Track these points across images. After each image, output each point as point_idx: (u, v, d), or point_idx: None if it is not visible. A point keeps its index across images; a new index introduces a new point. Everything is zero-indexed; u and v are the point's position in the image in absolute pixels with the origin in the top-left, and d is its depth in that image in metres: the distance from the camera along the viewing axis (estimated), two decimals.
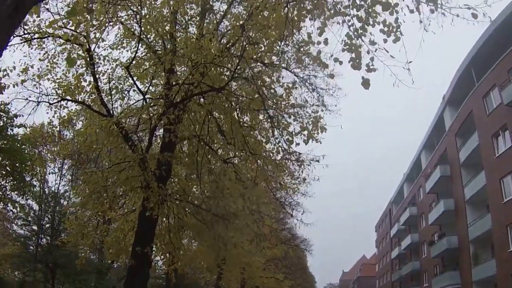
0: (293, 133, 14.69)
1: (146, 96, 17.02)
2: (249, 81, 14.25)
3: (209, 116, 15.64)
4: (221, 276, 45.56)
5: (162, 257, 20.95)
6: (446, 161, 62.86)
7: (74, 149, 21.63)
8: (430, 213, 67.85)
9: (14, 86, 16.79)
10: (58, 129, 19.48)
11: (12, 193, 24.46)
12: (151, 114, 16.90)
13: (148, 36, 16.98)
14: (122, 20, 17.08)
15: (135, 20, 16.44)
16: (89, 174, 17.31)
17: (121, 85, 18.23)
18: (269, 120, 14.92)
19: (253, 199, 19.89)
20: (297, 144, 14.62)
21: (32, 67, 17.27)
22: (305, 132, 14.37)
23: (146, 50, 17.68)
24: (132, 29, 17.08)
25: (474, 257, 52.32)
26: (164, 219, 18.00)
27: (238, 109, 14.92)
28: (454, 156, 59.66)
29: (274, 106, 14.82)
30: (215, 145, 18.13)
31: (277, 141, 15.04)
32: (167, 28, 16.79)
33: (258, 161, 16.94)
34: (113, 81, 18.10)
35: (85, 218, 20.17)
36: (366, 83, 10.56)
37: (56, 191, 40.01)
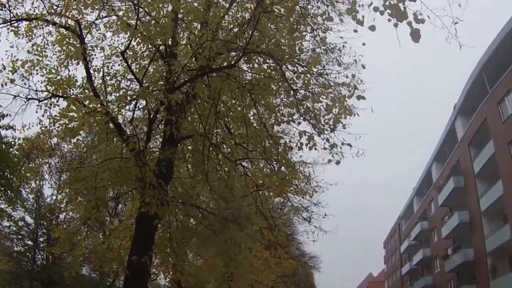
0: (320, 114, 12.39)
1: (143, 84, 14.91)
2: (265, 55, 12.11)
3: (216, 107, 13.42)
4: None
5: (163, 267, 18.42)
6: (459, 172, 60.79)
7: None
8: (443, 226, 65.79)
9: (2, 86, 15.66)
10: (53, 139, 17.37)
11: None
12: (148, 100, 14.60)
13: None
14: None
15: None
16: (76, 170, 15.06)
17: (115, 73, 16.24)
18: (289, 99, 12.65)
19: (266, 202, 18.01)
20: (320, 131, 12.32)
21: (19, 60, 15.97)
22: (330, 116, 12.21)
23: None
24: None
25: (492, 270, 50.17)
26: (166, 223, 15.60)
27: (251, 92, 12.65)
28: (467, 166, 57.60)
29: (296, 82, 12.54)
30: (224, 146, 15.92)
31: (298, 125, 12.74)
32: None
33: (273, 162, 14.95)
34: (107, 68, 16.08)
35: (75, 225, 17.65)
36: (415, 34, 8.44)
37: (51, 204, 37.84)
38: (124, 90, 15.95)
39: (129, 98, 14.08)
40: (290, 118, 12.64)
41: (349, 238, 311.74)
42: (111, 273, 37.68)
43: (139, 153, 13.26)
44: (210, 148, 14.60)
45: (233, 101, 15.39)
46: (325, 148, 12.38)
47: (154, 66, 16.17)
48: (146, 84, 14.82)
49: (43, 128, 15.74)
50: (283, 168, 14.50)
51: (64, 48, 15.82)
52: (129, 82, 16.37)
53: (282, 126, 14.88)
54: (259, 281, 40.22)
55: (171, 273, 17.90)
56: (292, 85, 12.16)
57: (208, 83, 13.32)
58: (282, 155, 13.24)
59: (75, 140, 14.28)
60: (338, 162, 12.42)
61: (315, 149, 12.41)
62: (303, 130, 12.56)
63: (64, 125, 13.95)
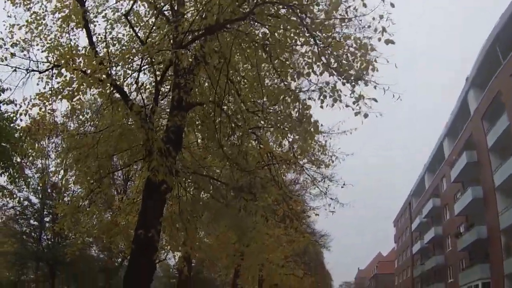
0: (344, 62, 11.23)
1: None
2: (280, 4, 11.05)
3: (228, 68, 12.38)
4: (238, 273, 43.26)
5: (173, 244, 17.32)
6: (473, 147, 59.60)
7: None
8: (456, 203, 64.74)
9: (2, 61, 14.76)
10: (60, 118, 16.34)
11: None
12: (154, 59, 13.50)
13: None
14: None
15: None
16: (76, 137, 13.99)
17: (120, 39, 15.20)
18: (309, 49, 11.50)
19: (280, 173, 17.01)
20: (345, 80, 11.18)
21: (19, 28, 15.08)
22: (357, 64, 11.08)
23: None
24: None
25: (506, 249, 49.07)
26: (175, 196, 14.50)
27: (265, 47, 11.57)
28: (481, 140, 56.46)
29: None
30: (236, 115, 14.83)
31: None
32: None
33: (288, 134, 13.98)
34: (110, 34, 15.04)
35: (78, 198, 16.45)
36: None
37: (58, 183, 36.78)
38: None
39: (132, 57, 12.91)
40: (311, 70, 11.47)
41: (360, 217, 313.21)
42: (119, 254, 36.90)
43: (145, 117, 12.22)
44: (222, 116, 13.70)
45: (245, 65, 14.46)
46: (347, 106, 11.32)
47: (160, 29, 15.03)
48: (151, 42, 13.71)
49: (45, 102, 14.68)
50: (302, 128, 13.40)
51: (63, 13, 14.77)
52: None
53: (300, 82, 13.65)
54: (270, 260, 39.59)
55: (180, 249, 16.86)
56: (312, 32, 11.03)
57: (218, 40, 12.24)
58: (302, 113, 12.11)
59: (74, 102, 13.17)
60: (366, 115, 11.25)
61: (339, 100, 11.31)
62: (326, 81, 11.56)
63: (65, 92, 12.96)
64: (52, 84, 14.60)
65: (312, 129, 12.16)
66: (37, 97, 13.80)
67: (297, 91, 12.69)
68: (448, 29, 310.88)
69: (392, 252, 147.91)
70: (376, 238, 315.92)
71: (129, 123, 13.46)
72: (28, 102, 14.45)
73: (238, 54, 13.55)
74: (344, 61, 11.03)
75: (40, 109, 14.27)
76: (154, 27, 14.89)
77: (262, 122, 15.72)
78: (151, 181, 12.63)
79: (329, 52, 11.10)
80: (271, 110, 14.89)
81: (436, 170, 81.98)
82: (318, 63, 11.10)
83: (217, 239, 21.23)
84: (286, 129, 13.62)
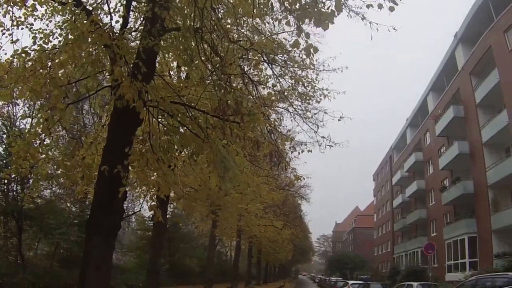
0: None
1: None
2: None
3: None
4: (216, 224, 42.05)
5: (143, 188, 15.31)
6: (459, 102, 58.56)
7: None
8: (441, 157, 64.08)
9: None
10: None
11: None
12: None
13: None
14: None
15: None
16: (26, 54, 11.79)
17: None
18: None
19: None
20: None
21: None
22: None
23: None
24: None
25: (494, 204, 48.56)
26: (147, 128, 12.43)
27: None
28: (468, 96, 55.57)
29: None
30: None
31: None
32: None
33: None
34: None
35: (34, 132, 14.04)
36: None
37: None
38: None
39: None
40: None
41: (339, 172, 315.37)
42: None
43: (110, 29, 10.17)
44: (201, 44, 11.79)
45: None
46: None
47: None
48: None
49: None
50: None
51: None
52: None
53: None
54: (248, 211, 38.30)
55: (151, 189, 14.93)
56: None
57: None
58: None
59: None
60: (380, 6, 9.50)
61: None
62: None
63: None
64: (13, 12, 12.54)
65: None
66: None
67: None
68: None
69: (370, 206, 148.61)
70: (354, 193, 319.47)
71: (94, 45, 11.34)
72: None
73: None
74: None
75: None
76: None
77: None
78: (118, 110, 10.70)
79: None
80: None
81: (419, 124, 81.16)
82: None
83: (195, 179, 19.17)
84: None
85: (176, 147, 13.86)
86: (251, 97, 14.54)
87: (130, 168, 11.48)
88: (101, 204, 11.48)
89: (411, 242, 79.24)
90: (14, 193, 33.33)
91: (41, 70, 11.50)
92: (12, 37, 12.29)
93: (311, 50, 10.27)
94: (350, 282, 57.29)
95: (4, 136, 32.34)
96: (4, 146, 31.85)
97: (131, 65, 11.20)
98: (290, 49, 15.52)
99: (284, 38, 16.88)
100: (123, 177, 10.58)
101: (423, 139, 77.53)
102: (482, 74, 51.46)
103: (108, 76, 12.94)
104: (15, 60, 12.32)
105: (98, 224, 11.41)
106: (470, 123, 55.34)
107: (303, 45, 10.33)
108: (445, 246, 59.19)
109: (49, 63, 11.45)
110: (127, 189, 11.37)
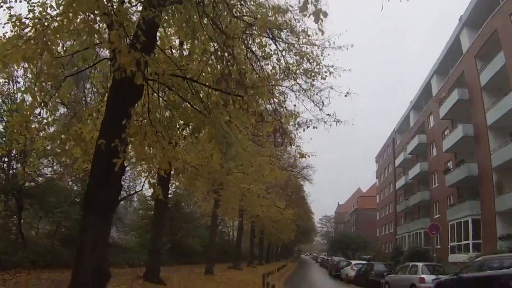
0: None
1: None
2: None
3: None
4: (219, 204, 41.93)
5: (144, 165, 15.01)
6: (464, 85, 58.18)
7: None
8: (444, 139, 63.86)
9: None
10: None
11: None
12: None
13: None
14: None
15: None
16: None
17: None
18: None
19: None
20: None
21: None
22: None
23: None
24: None
25: (498, 186, 48.41)
26: (146, 102, 12.11)
27: None
28: (473, 79, 55.15)
29: None
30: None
31: None
32: None
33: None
34: None
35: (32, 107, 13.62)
36: None
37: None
38: None
39: None
40: None
41: (343, 158, 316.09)
42: None
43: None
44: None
45: None
46: None
47: None
48: None
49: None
50: None
51: None
52: None
53: None
54: (251, 191, 38.14)
55: (151, 166, 14.63)
56: None
57: None
58: None
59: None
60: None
61: None
62: None
63: None
64: None
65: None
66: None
67: None
68: None
69: (372, 188, 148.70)
70: (357, 178, 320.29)
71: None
72: None
73: None
74: None
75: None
76: None
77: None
78: (117, 82, 10.41)
79: None
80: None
81: (422, 107, 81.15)
82: None
83: (197, 156, 18.82)
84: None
85: (177, 124, 13.61)
86: (255, 72, 14.20)
87: (128, 142, 11.22)
88: (98, 178, 11.34)
89: (414, 223, 79.20)
90: (14, 171, 33.05)
91: (35, 37, 11.12)
92: (10, 11, 11.95)
93: (320, 14, 9.95)
94: (353, 262, 56.98)
95: (4, 113, 32.04)
96: (4, 124, 31.54)
97: (131, 37, 10.97)
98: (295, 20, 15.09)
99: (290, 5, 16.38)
100: (120, 151, 10.32)
101: (426, 121, 77.17)
102: (487, 57, 51.00)
103: (107, 51, 12.63)
104: (10, 28, 12.02)
105: (95, 200, 11.27)
106: (474, 106, 55.06)
107: (311, 11, 10.06)
108: (448, 227, 59.05)
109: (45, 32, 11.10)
110: (127, 167, 11.19)
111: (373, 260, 64.73)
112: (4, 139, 29.91)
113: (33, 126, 13.26)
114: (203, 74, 12.29)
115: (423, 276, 30.86)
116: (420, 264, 33.25)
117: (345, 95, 18.17)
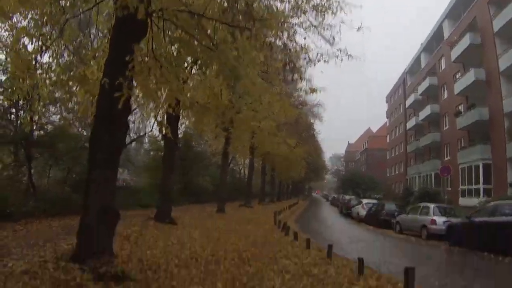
0: None
1: None
2: None
3: None
4: (229, 141, 42.07)
5: (152, 105, 14.96)
6: (476, 30, 57.53)
7: None
8: (456, 83, 63.23)
9: None
10: None
11: None
12: None
13: None
14: None
15: None
16: None
17: None
18: None
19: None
20: None
21: None
22: None
23: None
24: None
25: (509, 133, 48.67)
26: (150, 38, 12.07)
27: None
28: (486, 24, 54.36)
29: None
30: None
31: None
32: None
33: None
34: None
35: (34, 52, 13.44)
36: None
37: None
38: None
39: None
40: None
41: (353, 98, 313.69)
42: None
43: None
44: None
45: None
46: None
47: None
48: None
49: None
50: None
51: None
52: None
53: None
54: (261, 128, 38.31)
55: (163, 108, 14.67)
56: None
57: None
58: None
59: None
60: None
61: None
62: None
63: None
64: None
65: None
66: None
67: None
68: None
69: (383, 128, 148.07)
70: (367, 120, 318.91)
71: None
72: None
73: None
74: None
75: None
76: None
77: None
78: (120, 20, 10.47)
79: None
80: None
81: (433, 49, 79.93)
82: None
83: (205, 93, 18.71)
84: None
85: (185, 63, 13.50)
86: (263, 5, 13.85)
87: (132, 79, 11.13)
88: (102, 118, 11.27)
89: (424, 164, 79.50)
90: (22, 120, 33.13)
91: None
92: None
93: None
94: (364, 201, 57.37)
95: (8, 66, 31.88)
96: (8, 75, 31.45)
97: None
98: None
99: None
100: (124, 88, 10.40)
101: (437, 64, 76.30)
102: (501, 3, 50.10)
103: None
104: None
105: (100, 140, 11.23)
106: (487, 51, 54.41)
107: None
108: (459, 170, 59.25)
109: None
110: (136, 108, 11.21)
111: (383, 200, 65.14)
112: (9, 90, 30.05)
113: (38, 72, 13.29)
114: (209, 10, 12.11)
115: (434, 217, 31.11)
116: (431, 206, 33.25)
117: (357, 30, 17.82)
